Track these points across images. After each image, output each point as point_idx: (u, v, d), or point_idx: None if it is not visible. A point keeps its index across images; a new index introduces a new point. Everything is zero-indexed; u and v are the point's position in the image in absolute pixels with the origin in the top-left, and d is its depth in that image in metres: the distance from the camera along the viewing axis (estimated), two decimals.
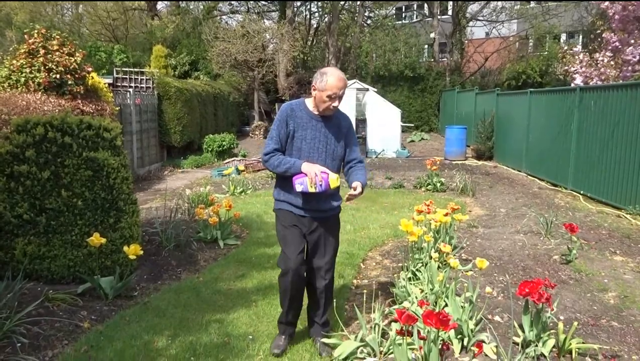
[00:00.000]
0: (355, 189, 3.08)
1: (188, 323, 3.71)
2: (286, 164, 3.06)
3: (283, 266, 3.15)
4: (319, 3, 25.83)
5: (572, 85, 11.33)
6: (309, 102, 3.19)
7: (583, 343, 3.21)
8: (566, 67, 12.38)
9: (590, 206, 7.77)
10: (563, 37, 23.59)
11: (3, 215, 4.07)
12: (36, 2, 24.02)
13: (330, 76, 3.02)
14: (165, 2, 27.30)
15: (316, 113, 3.15)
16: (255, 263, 5.14)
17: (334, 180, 3.01)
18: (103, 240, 3.99)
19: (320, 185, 2.95)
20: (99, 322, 3.71)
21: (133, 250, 4.06)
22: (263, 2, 27.47)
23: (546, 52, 19.79)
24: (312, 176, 2.95)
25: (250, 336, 3.47)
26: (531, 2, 24.67)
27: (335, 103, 3.07)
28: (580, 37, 22.66)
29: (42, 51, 8.31)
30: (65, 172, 4.18)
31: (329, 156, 3.16)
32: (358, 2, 23.80)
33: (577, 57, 12.08)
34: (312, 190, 2.96)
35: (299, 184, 2.98)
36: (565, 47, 14.51)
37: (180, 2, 25.65)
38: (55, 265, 4.16)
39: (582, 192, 8.56)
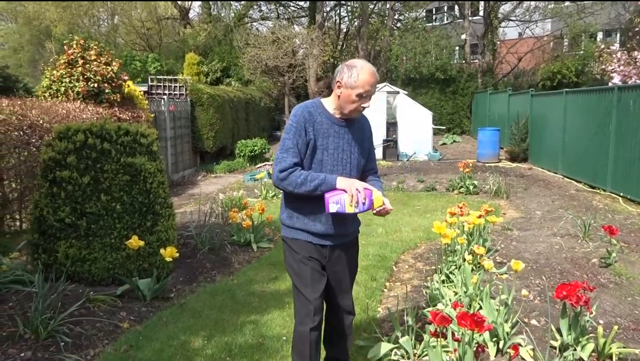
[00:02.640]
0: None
1: (223, 324, 3.77)
2: (314, 181, 2.43)
3: (302, 312, 2.56)
4: (349, 8, 25.91)
5: (610, 84, 11.01)
6: (328, 103, 2.61)
7: (624, 347, 3.13)
8: (603, 66, 12.05)
9: (630, 208, 7.54)
10: (600, 35, 22.95)
11: (46, 219, 4.23)
12: (72, 8, 24.74)
13: (362, 70, 2.47)
14: (197, 11, 27.74)
15: (338, 116, 2.58)
16: None
17: (379, 198, 2.47)
18: (141, 243, 4.10)
19: (363, 203, 2.41)
20: (138, 323, 3.82)
21: (169, 253, 4.17)
22: (293, 8, 27.71)
23: (582, 52, 19.30)
24: (354, 193, 2.38)
25: (284, 338, 3.51)
26: (566, 1, 24.13)
27: (366, 104, 2.53)
28: (618, 35, 22.02)
29: (80, 61, 8.62)
30: (105, 177, 4.32)
31: (353, 168, 2.62)
32: (388, 6, 23.76)
33: (614, 55, 11.76)
34: (350, 210, 2.41)
35: (335, 203, 2.41)
36: (602, 46, 14.11)
37: (211, 11, 26.10)
38: (95, 268, 4.29)
39: (621, 194, 8.30)
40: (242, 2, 26.41)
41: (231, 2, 26.70)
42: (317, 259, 2.59)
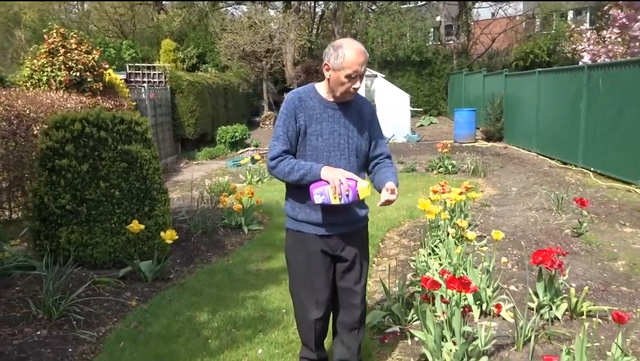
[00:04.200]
0: (392, 192, 2.38)
1: (225, 300, 4.00)
2: (300, 170, 2.36)
3: (306, 300, 2.53)
4: None
5: (580, 63, 11.43)
6: (321, 87, 2.51)
7: (594, 305, 3.46)
8: (574, 46, 12.46)
9: (600, 182, 7.96)
10: (570, 15, 23.48)
11: (47, 206, 4.37)
12: (45, 1, 24.22)
13: (348, 49, 2.33)
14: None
15: (331, 100, 2.47)
16: (280, 246, 5.40)
17: (364, 188, 2.33)
18: (142, 227, 4.28)
19: (347, 195, 2.30)
20: (142, 302, 4.02)
21: (169, 235, 4.36)
22: None
23: (554, 31, 19.77)
24: (336, 184, 2.28)
25: (284, 310, 3.76)
26: None
27: (357, 84, 2.39)
28: (588, 14, 22.56)
29: (61, 50, 8.60)
30: (103, 165, 4.46)
31: (352, 153, 2.50)
32: None
33: (584, 35, 12.17)
34: (335, 202, 2.31)
35: (319, 194, 2.32)
36: (573, 26, 14.54)
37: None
38: (97, 252, 4.46)
39: (592, 169, 8.73)
40: None
41: None
42: (324, 251, 2.50)
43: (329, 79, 2.43)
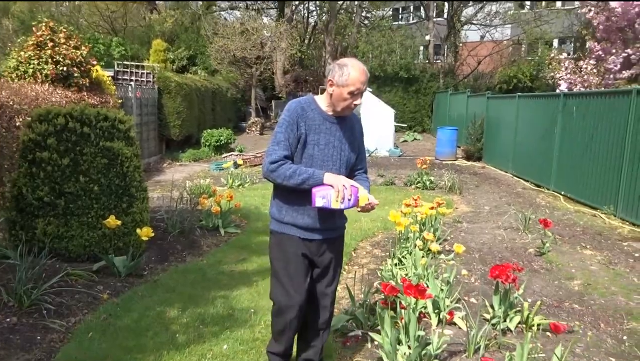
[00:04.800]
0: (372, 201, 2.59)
1: (196, 298, 4.11)
2: (302, 174, 2.50)
3: (283, 303, 2.66)
4: (317, 2, 26.24)
5: (558, 90, 11.81)
6: (321, 100, 2.69)
7: (545, 319, 3.65)
8: (552, 74, 12.87)
9: (569, 206, 8.25)
10: (555, 42, 24.14)
11: (25, 196, 4.45)
12: (38, 1, 24.10)
13: (352, 69, 2.54)
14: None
15: (330, 113, 2.66)
16: (255, 250, 5.54)
17: (364, 196, 2.53)
18: (119, 222, 4.38)
19: (349, 199, 2.47)
20: (114, 296, 4.11)
21: (145, 232, 4.47)
22: (261, 1, 27.82)
23: (537, 58, 20.32)
24: (340, 189, 2.45)
25: (252, 310, 3.89)
26: (525, 4, 25.24)
27: (358, 101, 2.60)
28: (572, 44, 23.21)
29: (50, 44, 8.63)
30: (84, 160, 4.56)
31: (343, 165, 2.68)
32: (356, 3, 24.22)
33: (562, 64, 12.58)
34: (335, 206, 2.47)
35: (321, 197, 2.46)
36: (552, 54, 15.02)
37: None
38: (72, 245, 4.54)
39: (562, 193, 9.03)
40: None
41: None
42: (304, 254, 2.65)
43: (331, 94, 2.60)
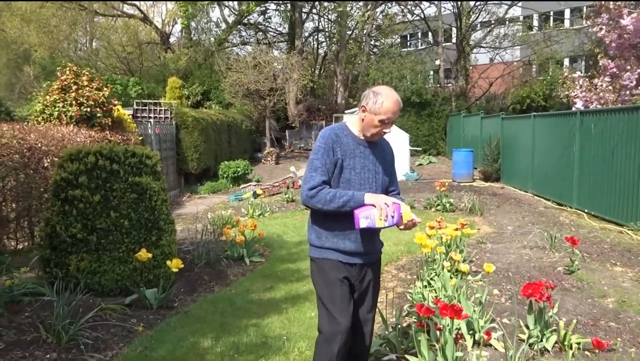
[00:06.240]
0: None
1: (228, 327, 4.14)
2: (342, 197, 2.54)
3: (330, 329, 2.59)
4: (327, 34, 26.78)
5: (574, 109, 11.81)
6: (352, 125, 2.76)
7: (583, 338, 3.61)
8: (567, 92, 12.89)
9: (593, 223, 8.15)
10: (566, 61, 24.20)
11: (59, 234, 4.56)
12: (53, 33, 24.88)
13: (387, 98, 2.60)
14: (177, 36, 28.21)
15: (362, 138, 2.73)
16: (281, 277, 5.57)
17: (407, 212, 2.56)
18: (149, 255, 4.46)
19: (392, 216, 2.50)
20: (147, 328, 4.15)
21: (175, 264, 4.53)
22: (272, 34, 28.46)
23: (549, 77, 20.37)
24: (383, 207, 2.50)
25: (285, 337, 3.90)
26: (533, 26, 25.45)
27: (387, 130, 2.68)
28: (583, 62, 23.26)
29: (74, 87, 8.96)
30: (114, 196, 4.68)
31: (378, 187, 2.75)
32: (364, 32, 24.65)
33: (577, 82, 12.61)
34: (379, 224, 2.50)
35: (365, 218, 2.48)
36: (566, 73, 15.06)
37: (192, 36, 26.60)
38: (104, 279, 4.62)
39: (586, 210, 8.94)
40: (223, 28, 26.99)
41: (211, 28, 27.31)
42: (347, 279, 2.66)
43: (362, 119, 2.68)
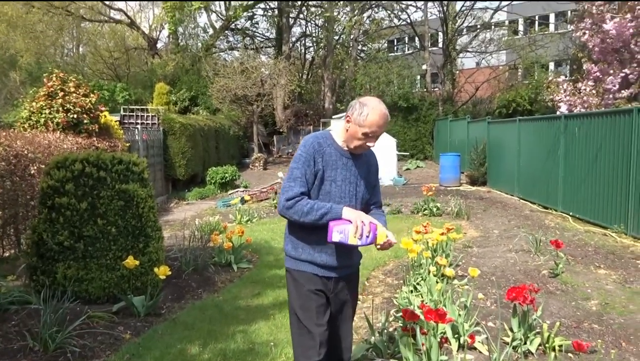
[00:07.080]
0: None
1: (215, 334, 4.15)
2: (320, 210, 2.44)
3: (307, 345, 2.51)
4: (314, 39, 26.89)
5: (558, 113, 11.98)
6: (337, 135, 2.64)
7: (566, 340, 3.67)
8: (551, 96, 13.07)
9: (578, 226, 8.28)
10: (551, 65, 24.53)
11: (46, 242, 4.54)
12: (40, 38, 24.72)
13: (372, 110, 2.47)
14: (165, 41, 28.16)
15: (346, 149, 2.61)
16: (269, 283, 5.59)
17: (383, 233, 2.46)
18: (137, 262, 4.45)
19: (367, 236, 2.41)
20: (135, 336, 4.15)
21: (163, 271, 4.53)
22: (260, 39, 28.52)
23: (535, 81, 20.63)
24: (359, 225, 2.39)
25: (272, 343, 3.92)
26: (519, 30, 25.78)
27: (371, 143, 2.54)
28: (568, 66, 23.59)
29: (60, 93, 8.91)
30: (101, 203, 4.67)
31: (359, 200, 2.64)
32: (352, 37, 24.79)
33: (561, 86, 12.81)
34: (352, 242, 2.40)
35: (338, 232, 2.39)
36: (550, 77, 15.29)
37: (179, 41, 26.55)
38: (92, 287, 4.61)
39: (571, 213, 9.06)
40: (210, 33, 27.00)
41: (199, 33, 27.31)
42: (322, 291, 2.57)
43: (347, 130, 2.55)
